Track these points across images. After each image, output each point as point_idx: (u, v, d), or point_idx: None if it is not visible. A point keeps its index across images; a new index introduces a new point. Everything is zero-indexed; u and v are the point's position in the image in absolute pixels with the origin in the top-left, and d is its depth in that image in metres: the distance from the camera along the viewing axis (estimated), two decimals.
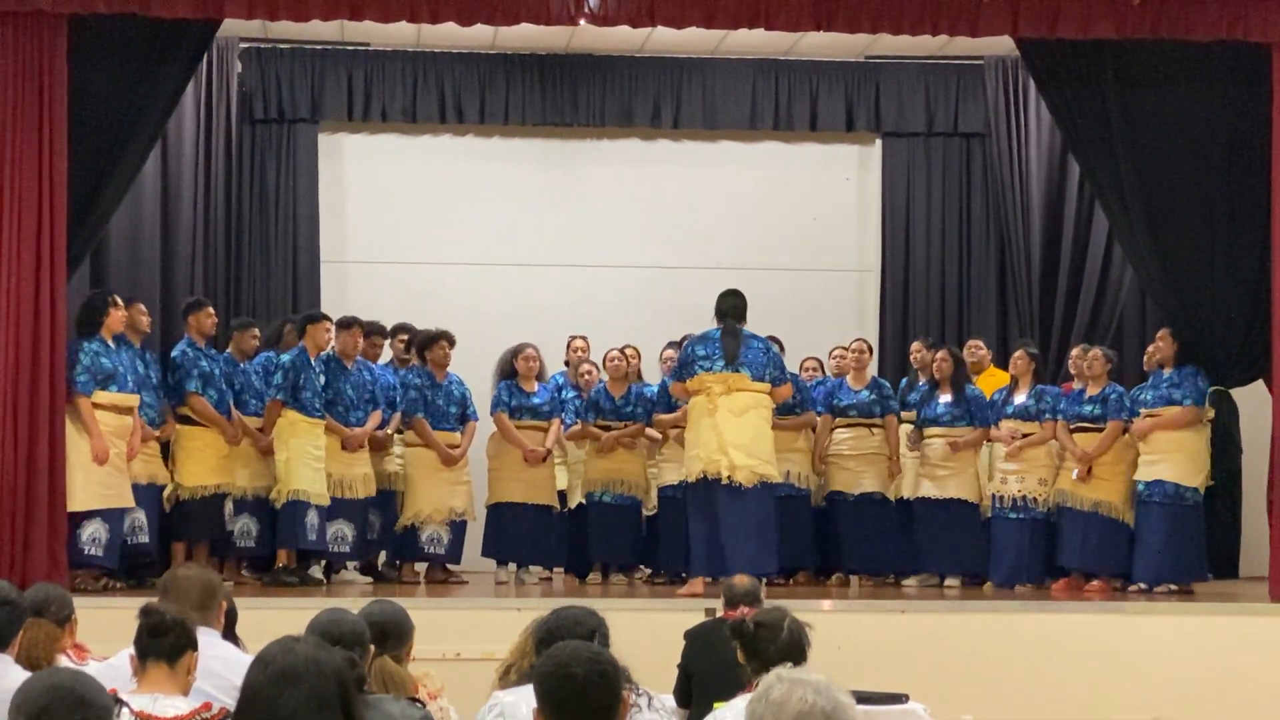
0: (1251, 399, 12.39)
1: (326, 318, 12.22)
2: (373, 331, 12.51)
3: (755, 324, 11.50)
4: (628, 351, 12.75)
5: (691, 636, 7.89)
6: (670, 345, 12.68)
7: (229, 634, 6.10)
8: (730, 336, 11.21)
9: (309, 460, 11.62)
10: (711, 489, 11.03)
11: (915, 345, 13.19)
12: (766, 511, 11.13)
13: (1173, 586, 11.63)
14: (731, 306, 11.37)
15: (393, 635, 5.78)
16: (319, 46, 14.45)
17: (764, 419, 11.23)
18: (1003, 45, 13.17)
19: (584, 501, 12.57)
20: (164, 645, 4.88)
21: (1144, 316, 14.09)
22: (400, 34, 13.64)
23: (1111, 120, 11.98)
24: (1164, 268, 12.08)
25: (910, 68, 15.03)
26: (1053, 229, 14.49)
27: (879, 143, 15.30)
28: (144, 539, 11.17)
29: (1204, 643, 10.48)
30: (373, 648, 5.47)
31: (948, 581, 12.33)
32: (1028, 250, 14.53)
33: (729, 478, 10.93)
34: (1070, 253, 14.42)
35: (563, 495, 12.70)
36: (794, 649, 5.74)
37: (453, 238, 14.88)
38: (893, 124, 15.15)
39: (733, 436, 11.00)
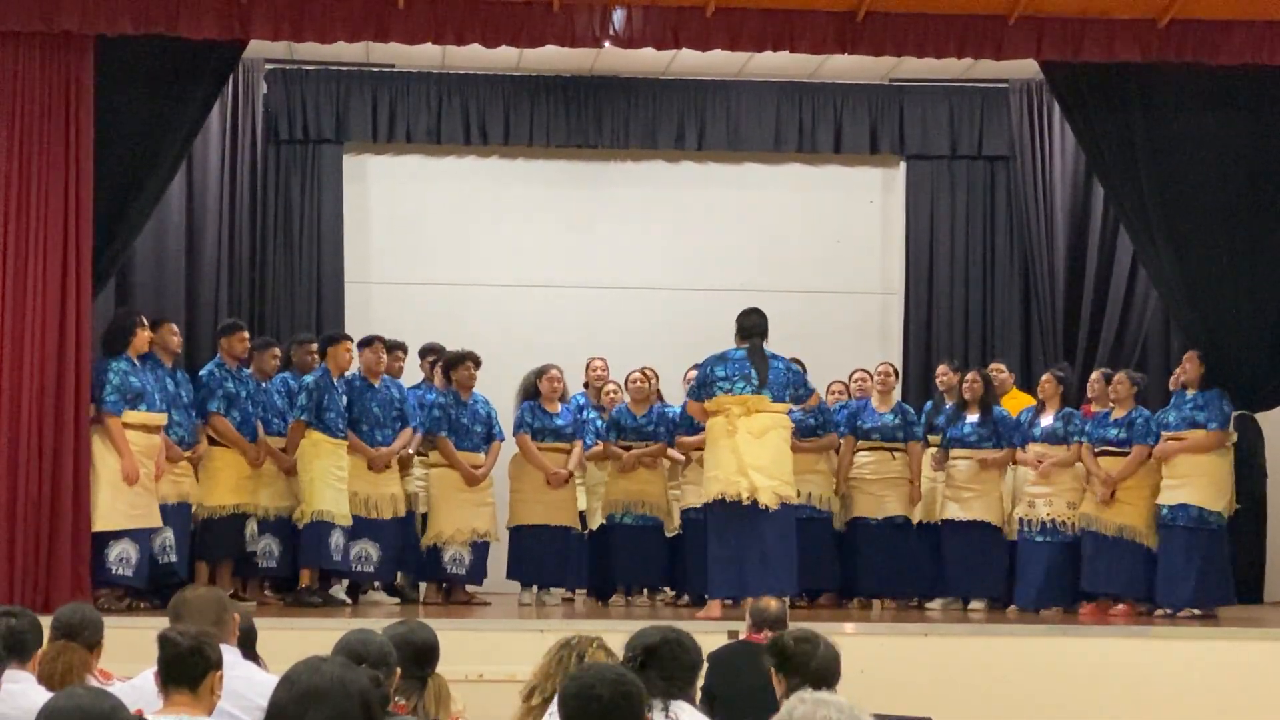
0: (1277, 423, 12.36)
1: (347, 338, 12.22)
2: (394, 347, 12.46)
3: (777, 346, 11.45)
4: (646, 372, 12.75)
5: (715, 659, 7.86)
6: (695, 367, 12.64)
7: (249, 653, 6.10)
8: (759, 357, 11.15)
9: (332, 481, 11.64)
10: (730, 511, 10.97)
11: (941, 368, 13.10)
12: (787, 533, 11.07)
13: (1196, 611, 11.56)
14: (754, 325, 11.28)
15: (424, 655, 5.77)
16: (344, 68, 14.49)
17: (783, 439, 11.17)
18: (1027, 68, 13.17)
19: (605, 523, 12.57)
20: (183, 672, 4.87)
21: (1168, 339, 14.06)
22: (425, 55, 13.70)
23: (1136, 143, 11.98)
24: (1188, 291, 12.07)
25: (935, 90, 15.03)
26: (1077, 252, 14.48)
27: (903, 165, 15.28)
28: (173, 558, 11.12)
29: (1229, 667, 10.43)
30: (399, 670, 5.46)
31: (972, 605, 12.28)
32: (1052, 273, 14.51)
33: (750, 499, 10.90)
34: (1094, 275, 14.40)
35: (582, 517, 12.68)
36: (831, 664, 5.69)
37: (477, 259, 14.89)
38: (917, 147, 15.15)
39: (752, 458, 10.94)
